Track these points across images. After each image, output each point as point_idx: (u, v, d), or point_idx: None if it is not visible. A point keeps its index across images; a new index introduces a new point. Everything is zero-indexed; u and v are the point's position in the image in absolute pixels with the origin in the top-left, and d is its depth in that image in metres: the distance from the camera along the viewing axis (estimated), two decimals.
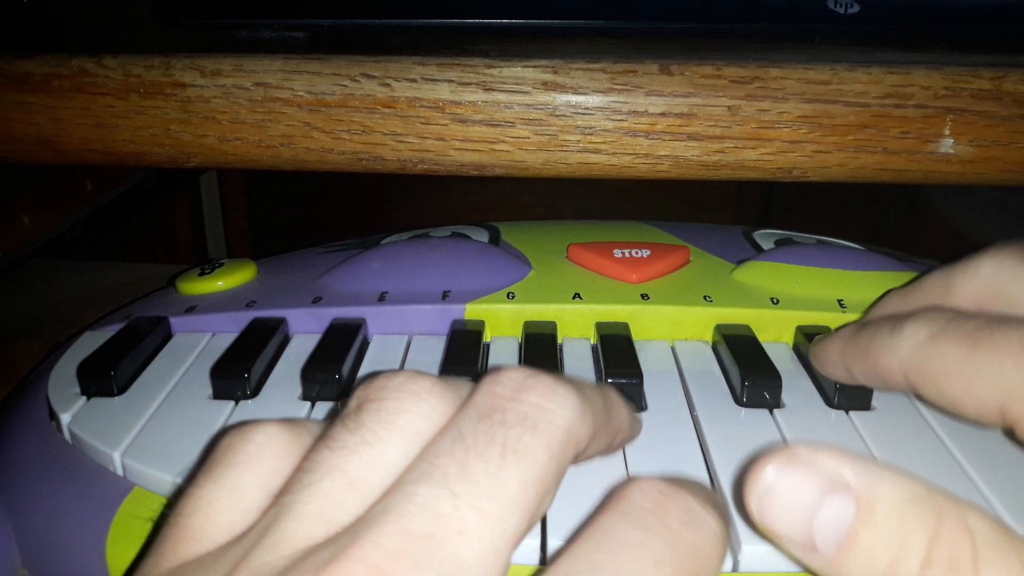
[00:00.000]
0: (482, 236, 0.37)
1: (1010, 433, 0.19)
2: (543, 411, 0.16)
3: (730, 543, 0.19)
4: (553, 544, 0.20)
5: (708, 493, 0.17)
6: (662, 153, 0.29)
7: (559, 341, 0.30)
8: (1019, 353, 0.18)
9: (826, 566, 0.16)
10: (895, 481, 0.15)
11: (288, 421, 0.17)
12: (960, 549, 0.15)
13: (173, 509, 0.16)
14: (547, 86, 0.29)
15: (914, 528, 0.15)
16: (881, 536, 0.15)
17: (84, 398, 0.27)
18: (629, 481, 0.16)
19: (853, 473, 0.15)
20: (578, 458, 0.17)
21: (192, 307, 0.32)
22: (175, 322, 0.31)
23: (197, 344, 0.30)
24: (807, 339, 0.29)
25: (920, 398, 0.22)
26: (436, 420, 0.16)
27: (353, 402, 0.17)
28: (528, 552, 0.20)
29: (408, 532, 0.13)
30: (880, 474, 0.15)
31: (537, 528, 0.20)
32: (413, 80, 0.29)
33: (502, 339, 0.30)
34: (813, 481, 0.15)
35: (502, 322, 0.30)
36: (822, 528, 0.15)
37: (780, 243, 0.36)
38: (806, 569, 0.16)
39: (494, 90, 0.29)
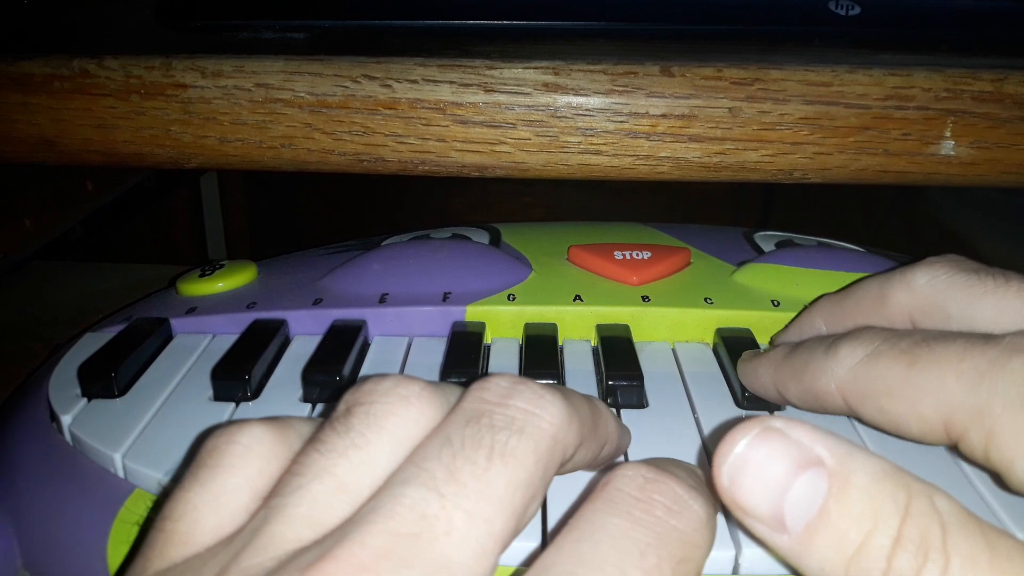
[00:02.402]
0: (483, 237, 0.37)
1: (956, 450, 0.19)
2: (530, 416, 0.16)
3: (717, 524, 0.19)
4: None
5: (695, 477, 0.17)
6: (663, 155, 0.29)
7: (560, 343, 0.30)
8: (959, 365, 0.18)
9: (793, 547, 0.15)
10: (866, 458, 0.15)
11: (273, 421, 0.17)
12: (930, 528, 0.14)
13: (159, 513, 0.16)
14: (548, 87, 0.29)
15: (886, 506, 0.14)
16: (853, 513, 0.15)
17: (85, 400, 0.27)
18: (615, 467, 0.16)
19: (826, 449, 0.15)
20: (565, 467, 0.17)
21: (193, 308, 0.32)
22: (176, 323, 0.31)
23: (198, 345, 0.30)
24: None
25: (860, 420, 0.21)
26: (424, 424, 0.16)
27: (342, 406, 0.17)
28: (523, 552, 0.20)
29: (395, 532, 0.13)
30: (852, 451, 0.15)
31: (538, 525, 0.20)
32: (414, 81, 0.29)
33: (503, 341, 0.30)
34: (787, 455, 0.15)
35: (503, 324, 0.30)
36: (793, 504, 0.15)
37: (781, 245, 0.36)
38: (772, 553, 0.16)
39: (495, 91, 0.29)
